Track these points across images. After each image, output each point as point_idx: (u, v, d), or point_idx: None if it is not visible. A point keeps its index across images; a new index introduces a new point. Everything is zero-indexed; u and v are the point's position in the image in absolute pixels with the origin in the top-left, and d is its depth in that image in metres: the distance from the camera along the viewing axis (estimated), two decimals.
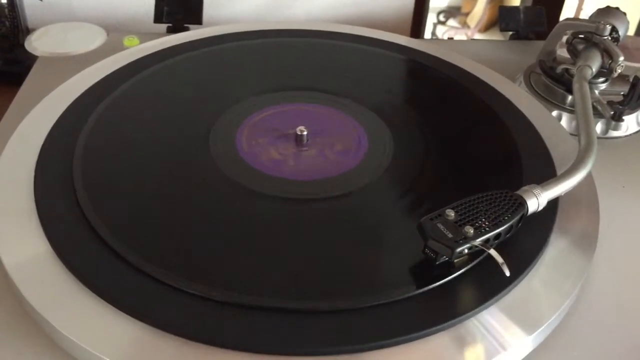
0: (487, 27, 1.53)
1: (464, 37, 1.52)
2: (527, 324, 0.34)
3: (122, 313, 0.33)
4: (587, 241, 0.40)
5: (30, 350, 0.33)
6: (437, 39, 1.37)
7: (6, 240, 0.37)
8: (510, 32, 0.70)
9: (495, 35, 1.52)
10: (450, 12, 1.58)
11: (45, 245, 0.37)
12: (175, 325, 0.32)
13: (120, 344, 0.32)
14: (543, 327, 0.35)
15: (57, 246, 0.36)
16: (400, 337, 0.33)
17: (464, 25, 1.56)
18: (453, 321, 0.34)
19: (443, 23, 1.57)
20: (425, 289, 0.35)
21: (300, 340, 0.32)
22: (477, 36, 1.50)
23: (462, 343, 0.33)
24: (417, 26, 0.86)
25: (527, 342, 0.34)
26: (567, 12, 0.93)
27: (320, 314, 0.34)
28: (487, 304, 0.35)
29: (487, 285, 0.35)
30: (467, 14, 1.57)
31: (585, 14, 1.11)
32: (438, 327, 0.33)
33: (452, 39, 1.14)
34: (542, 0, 0.85)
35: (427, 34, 1.06)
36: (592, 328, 0.37)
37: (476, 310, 0.34)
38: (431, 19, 1.52)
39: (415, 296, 0.35)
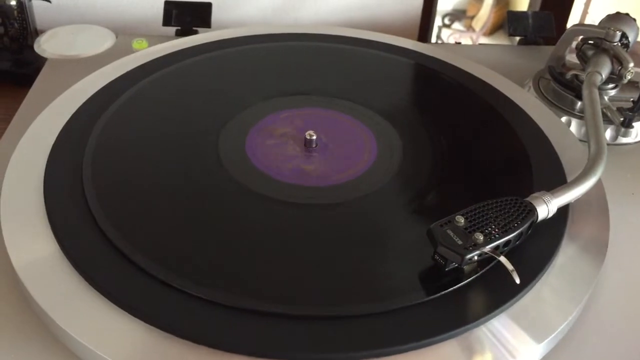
0: (492, 31, 1.53)
1: (469, 41, 1.52)
2: (537, 332, 0.34)
3: (128, 314, 0.33)
4: (597, 248, 0.40)
5: (36, 350, 0.33)
6: (445, 43, 1.37)
7: (15, 240, 0.37)
8: (519, 37, 0.70)
9: (500, 39, 1.52)
10: (456, 15, 1.59)
11: (53, 246, 0.37)
12: (180, 328, 0.32)
13: (126, 345, 0.32)
14: (553, 335, 0.34)
15: (65, 247, 0.37)
16: (409, 344, 0.33)
17: (469, 28, 1.56)
18: (462, 329, 0.33)
19: (448, 26, 1.57)
20: (435, 296, 0.35)
21: (307, 346, 0.32)
22: (482, 39, 1.50)
23: (471, 351, 0.33)
24: (424, 30, 0.86)
25: (536, 350, 0.34)
26: (572, 17, 0.93)
27: (327, 319, 0.34)
28: (496, 311, 0.34)
29: (497, 292, 0.35)
30: (472, 18, 1.57)
31: (590, 19, 1.11)
32: (447, 334, 0.33)
33: (459, 43, 1.14)
34: (549, 5, 0.85)
35: (432, 37, 1.06)
36: (602, 336, 0.37)
37: (485, 317, 0.34)
38: (436, 22, 1.52)
39: (424, 303, 0.35)
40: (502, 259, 0.34)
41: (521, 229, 0.36)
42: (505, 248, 0.36)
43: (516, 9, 1.19)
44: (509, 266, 0.34)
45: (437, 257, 0.35)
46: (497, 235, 0.35)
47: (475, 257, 0.35)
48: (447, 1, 1.57)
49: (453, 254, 0.34)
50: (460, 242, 0.34)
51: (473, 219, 0.35)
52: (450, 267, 0.35)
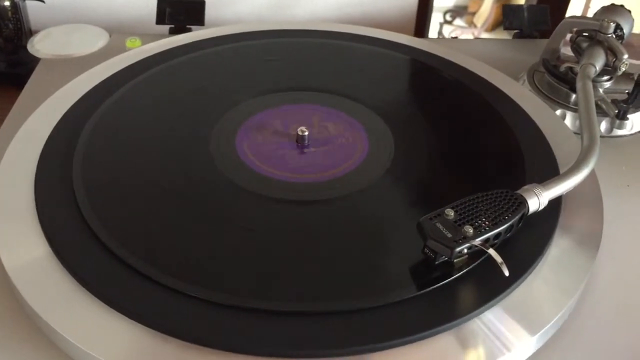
0: (493, 26, 1.52)
1: (470, 37, 1.51)
2: (531, 324, 0.34)
3: (121, 315, 0.33)
4: (591, 240, 0.40)
5: (30, 353, 0.33)
6: (440, 38, 1.37)
7: (7, 242, 0.37)
8: (514, 31, 0.70)
9: (502, 35, 1.51)
10: (457, 11, 1.58)
11: (45, 248, 0.37)
12: (175, 328, 0.32)
13: (120, 346, 0.32)
14: (547, 327, 0.34)
15: (57, 249, 0.36)
16: (403, 338, 0.32)
17: (471, 24, 1.55)
18: (456, 322, 0.33)
19: (450, 22, 1.56)
20: (428, 289, 0.35)
21: (303, 342, 0.32)
22: (484, 35, 1.50)
23: (465, 344, 0.33)
24: (421, 26, 0.86)
25: (530, 342, 0.34)
26: (573, 10, 0.92)
27: (322, 315, 0.33)
28: (490, 304, 0.34)
29: (490, 285, 0.35)
30: (473, 14, 1.57)
31: (592, 13, 1.10)
32: (441, 327, 0.33)
33: (456, 38, 1.13)
34: None
35: (434, 34, 1.06)
36: (596, 328, 0.37)
37: (479, 310, 0.34)
38: (438, 18, 1.52)
39: (417, 297, 0.34)
40: (491, 251, 0.34)
41: (511, 222, 0.36)
42: (496, 241, 0.36)
43: (517, 4, 1.18)
44: (498, 259, 0.34)
45: (426, 250, 0.35)
46: (487, 228, 0.35)
47: (465, 250, 0.34)
48: None
49: (442, 247, 0.34)
50: (449, 236, 0.34)
51: (463, 212, 0.35)
52: (440, 261, 0.35)
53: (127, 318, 0.33)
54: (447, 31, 1.54)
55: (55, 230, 0.38)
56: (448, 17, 1.56)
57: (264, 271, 0.36)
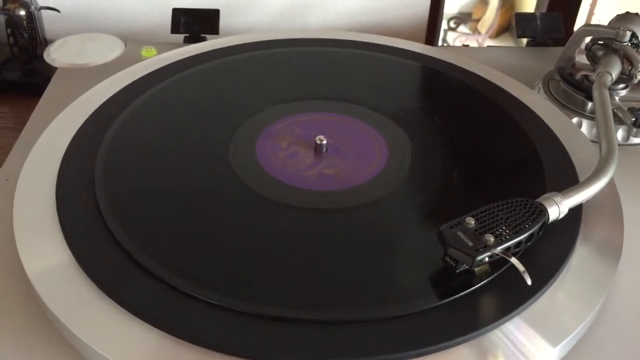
0: (497, 33, 1.53)
1: (475, 43, 1.51)
2: (552, 335, 0.34)
3: (143, 322, 0.33)
4: (612, 250, 0.39)
5: (51, 359, 0.33)
6: (454, 46, 1.37)
7: (29, 249, 0.37)
8: (527, 39, 0.70)
9: (506, 41, 1.52)
10: (461, 18, 1.59)
11: (67, 255, 0.37)
12: (196, 335, 0.32)
13: (141, 352, 0.32)
14: (568, 338, 0.34)
15: (79, 255, 0.37)
16: (422, 348, 0.32)
17: (475, 31, 1.56)
18: (476, 332, 0.33)
19: (454, 29, 1.57)
20: (448, 299, 0.34)
21: (320, 352, 0.32)
22: (488, 42, 1.50)
23: (485, 355, 0.33)
24: (431, 34, 0.86)
25: (552, 354, 0.34)
26: (579, 18, 0.92)
27: (339, 324, 0.33)
28: (510, 315, 0.34)
29: (511, 295, 0.35)
30: (477, 20, 1.57)
31: (596, 20, 1.10)
32: (460, 338, 0.33)
33: (467, 45, 1.13)
34: (556, 6, 0.84)
35: (438, 41, 1.06)
36: (618, 338, 0.36)
37: (500, 321, 0.34)
38: (442, 25, 1.52)
39: (437, 307, 0.34)
40: (514, 260, 0.34)
41: (532, 230, 0.35)
42: (517, 249, 0.35)
43: (522, 11, 1.19)
44: (521, 267, 0.33)
45: (447, 259, 0.35)
46: (507, 237, 0.35)
47: (486, 259, 0.34)
48: (453, 4, 1.57)
49: (464, 255, 0.34)
50: (470, 244, 0.34)
51: (483, 221, 0.35)
52: (461, 269, 0.35)
53: (148, 324, 0.33)
54: (451, 38, 1.54)
55: (77, 237, 0.38)
56: (452, 24, 1.57)
57: (284, 279, 0.36)
